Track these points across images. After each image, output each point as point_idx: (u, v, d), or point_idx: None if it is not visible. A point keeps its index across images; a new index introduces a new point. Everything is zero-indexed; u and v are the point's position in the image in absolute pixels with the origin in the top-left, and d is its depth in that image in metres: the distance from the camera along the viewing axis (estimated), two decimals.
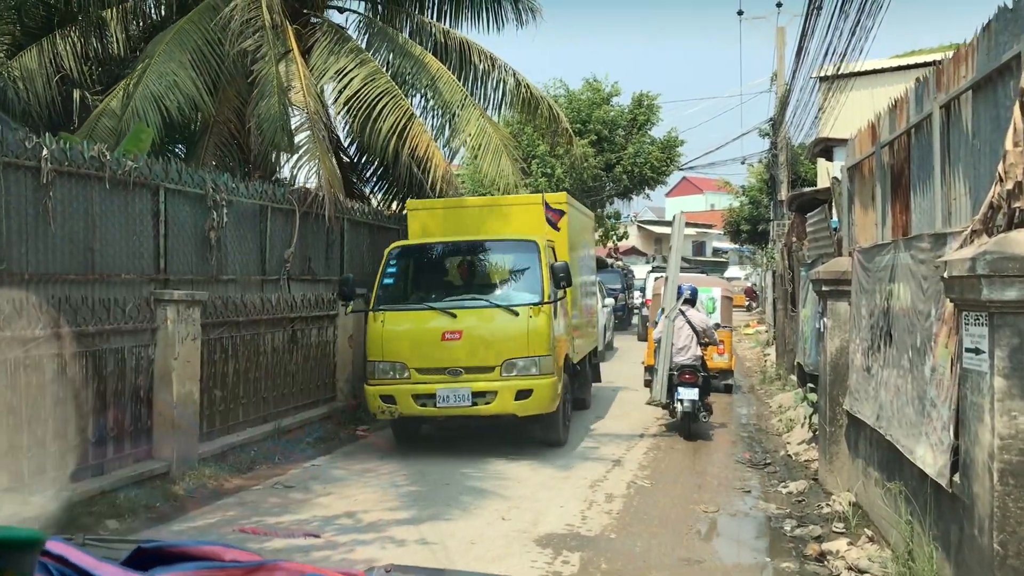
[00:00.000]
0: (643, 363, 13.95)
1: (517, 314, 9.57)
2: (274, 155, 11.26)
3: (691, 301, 11.48)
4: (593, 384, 14.10)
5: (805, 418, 10.07)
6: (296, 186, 11.27)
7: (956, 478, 4.75)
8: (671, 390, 10.94)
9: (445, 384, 9.48)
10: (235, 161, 12.38)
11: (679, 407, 10.79)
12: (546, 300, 9.70)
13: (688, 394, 10.70)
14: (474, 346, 9.51)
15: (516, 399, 9.40)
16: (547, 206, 11.04)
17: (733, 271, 52.91)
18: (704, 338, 11.21)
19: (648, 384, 12.59)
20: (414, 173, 13.13)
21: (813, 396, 9.81)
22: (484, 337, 9.54)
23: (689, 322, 11.15)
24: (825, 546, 6.56)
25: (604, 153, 28.77)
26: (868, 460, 7.26)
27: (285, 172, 13.17)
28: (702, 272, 30.60)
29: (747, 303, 39.71)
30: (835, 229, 9.88)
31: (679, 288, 11.58)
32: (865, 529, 6.75)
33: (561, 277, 9.72)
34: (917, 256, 5.66)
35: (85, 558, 1.15)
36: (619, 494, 8.19)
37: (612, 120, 29.15)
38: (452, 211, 11.78)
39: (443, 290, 10.40)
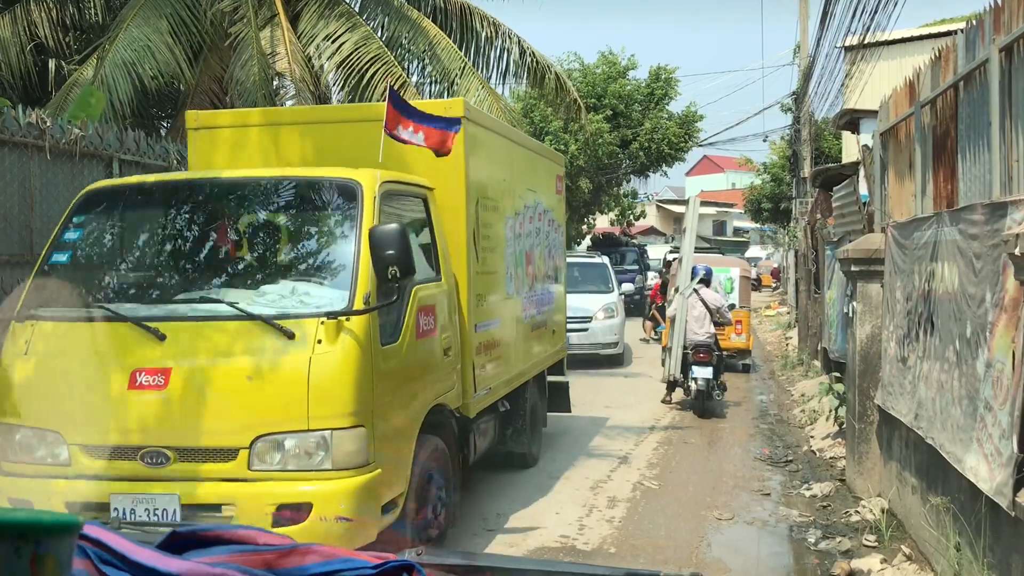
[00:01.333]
0: (660, 343, 14.06)
1: (292, 336, 4.62)
2: None
3: (706, 281, 11.59)
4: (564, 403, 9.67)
5: (830, 410, 9.21)
6: None
7: (1021, 499, 3.91)
8: (685, 369, 11.15)
9: (130, 485, 4.58)
10: None
11: (693, 385, 10.99)
12: (359, 307, 4.73)
13: (702, 373, 10.85)
14: (196, 404, 4.59)
15: (276, 523, 4.40)
16: (393, 98, 5.62)
17: (754, 251, 51.78)
18: (717, 317, 11.33)
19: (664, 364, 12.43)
20: None
21: (840, 387, 8.96)
22: (217, 385, 4.61)
23: (703, 301, 11.29)
24: (855, 564, 5.72)
25: (620, 129, 27.69)
26: (904, 464, 6.41)
27: None
28: (719, 252, 29.49)
29: (774, 284, 38.86)
30: (865, 203, 8.98)
31: (694, 268, 11.75)
32: (901, 545, 5.90)
33: (389, 257, 4.72)
34: (967, 230, 4.79)
35: (122, 542, 1.17)
36: (623, 498, 7.38)
37: (628, 95, 28.05)
38: (264, 132, 6.55)
39: (166, 281, 5.28)
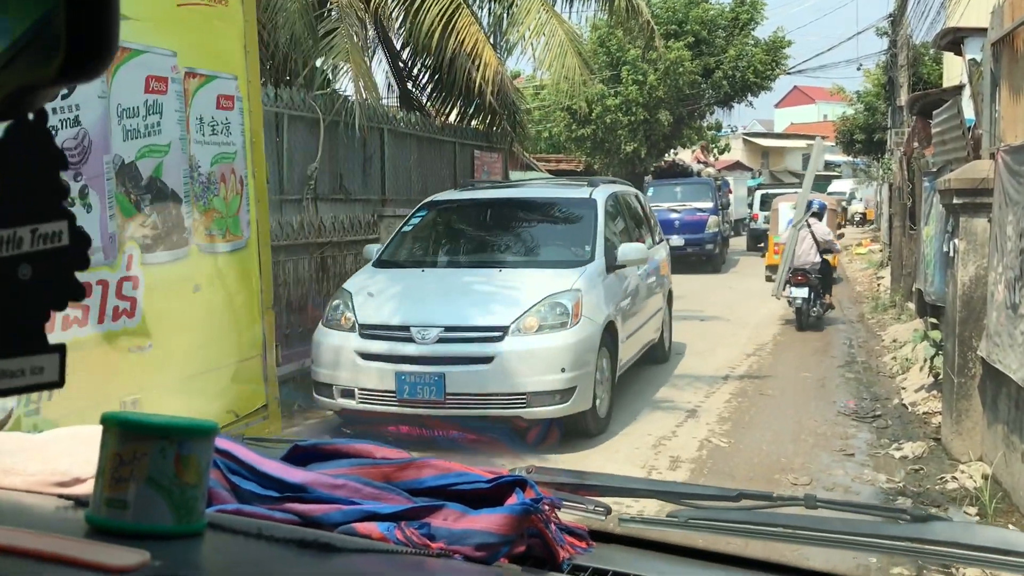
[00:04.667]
0: (766, 265, 17.14)
1: None
2: (300, 58, 9.78)
3: (818, 215, 13.15)
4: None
5: (925, 360, 8.29)
6: (321, 91, 9.82)
7: None
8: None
9: None
10: (270, 67, 10.97)
11: (792, 304, 12.51)
12: None
13: (799, 292, 12.28)
14: None
15: None
16: None
17: (837, 185, 49.33)
18: (824, 246, 12.67)
19: (769, 279, 15.47)
20: (472, 76, 11.47)
21: (936, 334, 8.02)
22: None
23: (812, 233, 12.56)
24: None
25: (702, 57, 26.31)
26: (1012, 426, 5.54)
27: (344, 83, 11.70)
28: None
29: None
30: (971, 127, 7.93)
31: (809, 202, 13.20)
32: (1009, 523, 5.09)
33: None
34: None
35: (249, 454, 1.24)
36: (687, 458, 6.67)
37: (711, 20, 26.59)
38: None
39: None
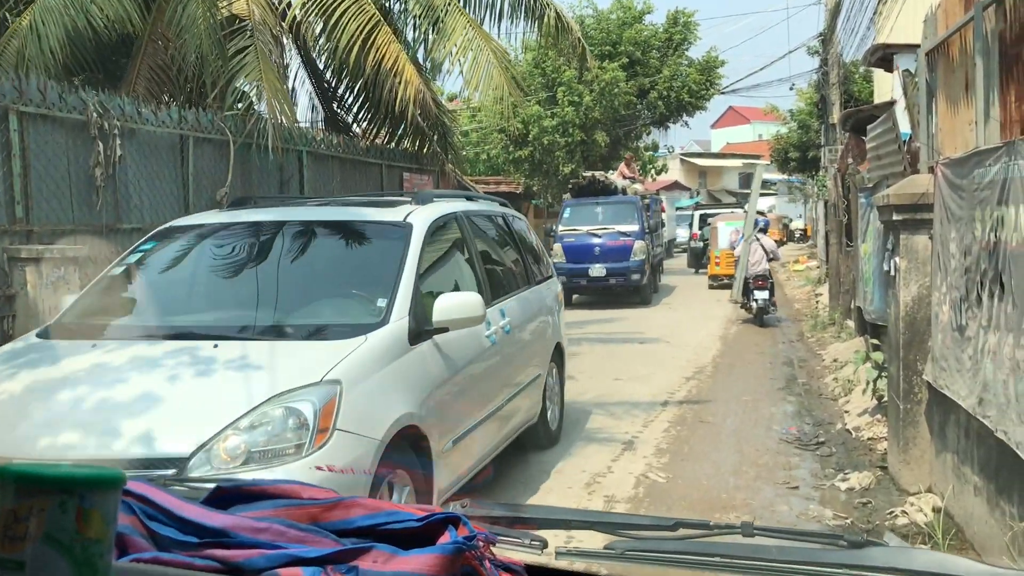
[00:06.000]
0: (707, 275, 21.94)
1: None
2: (209, 78, 9.21)
3: (764, 230, 15.72)
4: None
5: (868, 382, 8.00)
6: (231, 112, 9.25)
7: None
8: (747, 293, 14.97)
9: None
10: (175, 88, 10.38)
11: (754, 305, 14.76)
12: None
13: (760, 295, 14.67)
14: None
15: None
16: None
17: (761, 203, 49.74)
18: (771, 255, 15.17)
19: (711, 287, 20.75)
20: (397, 95, 11.02)
21: (878, 355, 7.74)
22: None
23: (762, 245, 15.07)
24: None
25: (637, 77, 26.28)
26: (963, 457, 5.21)
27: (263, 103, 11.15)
28: (741, 208, 27.76)
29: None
30: (907, 140, 7.69)
31: (756, 220, 16.02)
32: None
33: None
34: None
35: (168, 498, 1.18)
36: (623, 496, 6.24)
37: (645, 41, 26.58)
38: None
39: None
